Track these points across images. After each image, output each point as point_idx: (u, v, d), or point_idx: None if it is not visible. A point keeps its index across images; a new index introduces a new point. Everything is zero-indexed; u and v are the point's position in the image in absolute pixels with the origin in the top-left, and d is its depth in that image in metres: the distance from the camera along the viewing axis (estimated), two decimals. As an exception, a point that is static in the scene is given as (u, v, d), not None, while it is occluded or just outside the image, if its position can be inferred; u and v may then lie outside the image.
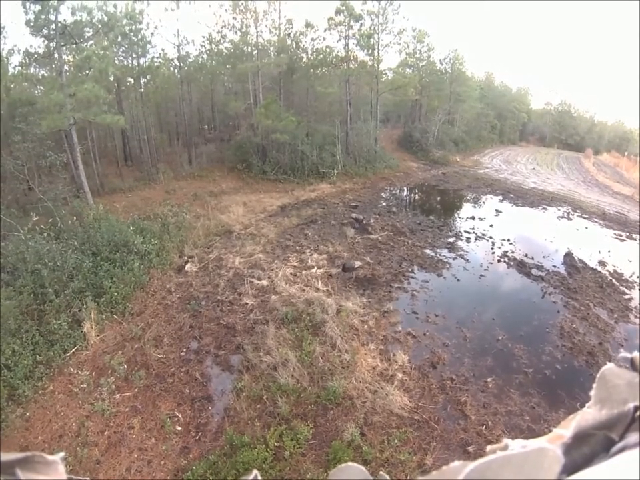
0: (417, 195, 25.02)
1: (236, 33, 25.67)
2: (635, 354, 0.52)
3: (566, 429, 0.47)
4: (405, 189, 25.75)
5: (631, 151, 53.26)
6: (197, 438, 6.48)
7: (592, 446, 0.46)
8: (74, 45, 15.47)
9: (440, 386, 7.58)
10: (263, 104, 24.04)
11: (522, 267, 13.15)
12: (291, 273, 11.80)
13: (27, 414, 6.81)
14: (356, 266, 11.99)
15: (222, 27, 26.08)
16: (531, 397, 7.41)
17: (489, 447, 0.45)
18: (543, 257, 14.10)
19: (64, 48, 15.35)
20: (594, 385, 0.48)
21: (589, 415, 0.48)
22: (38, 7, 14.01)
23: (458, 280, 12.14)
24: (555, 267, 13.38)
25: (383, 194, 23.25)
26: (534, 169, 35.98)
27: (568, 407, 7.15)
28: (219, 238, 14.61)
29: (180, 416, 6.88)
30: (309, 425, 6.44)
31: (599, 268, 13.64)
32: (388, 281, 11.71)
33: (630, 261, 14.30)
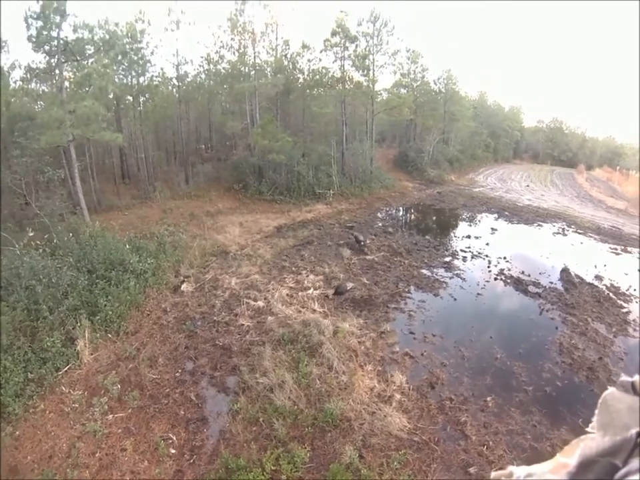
0: (412, 215, 25.16)
1: (234, 53, 26.19)
2: (636, 378, 0.52)
3: (570, 457, 0.46)
4: (401, 208, 25.90)
5: (623, 165, 54.08)
6: (192, 461, 6.33)
7: (596, 473, 0.45)
8: (75, 62, 15.71)
9: (439, 406, 7.48)
10: (259, 124, 24.32)
11: (519, 284, 13.15)
12: (287, 294, 11.74)
13: (17, 432, 6.65)
14: (349, 288, 11.97)
15: (220, 48, 26.61)
16: (532, 415, 7.32)
17: (493, 474, 0.44)
18: (540, 273, 14.13)
19: (65, 64, 15.60)
20: (596, 411, 0.47)
21: (592, 441, 0.48)
22: (40, 23, 14.25)
23: (455, 299, 12.11)
24: (551, 283, 13.41)
25: (378, 214, 23.34)
26: (528, 186, 36.38)
27: (570, 424, 7.08)
28: (215, 258, 14.58)
29: (174, 438, 6.73)
30: (306, 448, 6.31)
31: (596, 282, 13.72)
32: (385, 301, 11.66)
33: (626, 274, 14.41)
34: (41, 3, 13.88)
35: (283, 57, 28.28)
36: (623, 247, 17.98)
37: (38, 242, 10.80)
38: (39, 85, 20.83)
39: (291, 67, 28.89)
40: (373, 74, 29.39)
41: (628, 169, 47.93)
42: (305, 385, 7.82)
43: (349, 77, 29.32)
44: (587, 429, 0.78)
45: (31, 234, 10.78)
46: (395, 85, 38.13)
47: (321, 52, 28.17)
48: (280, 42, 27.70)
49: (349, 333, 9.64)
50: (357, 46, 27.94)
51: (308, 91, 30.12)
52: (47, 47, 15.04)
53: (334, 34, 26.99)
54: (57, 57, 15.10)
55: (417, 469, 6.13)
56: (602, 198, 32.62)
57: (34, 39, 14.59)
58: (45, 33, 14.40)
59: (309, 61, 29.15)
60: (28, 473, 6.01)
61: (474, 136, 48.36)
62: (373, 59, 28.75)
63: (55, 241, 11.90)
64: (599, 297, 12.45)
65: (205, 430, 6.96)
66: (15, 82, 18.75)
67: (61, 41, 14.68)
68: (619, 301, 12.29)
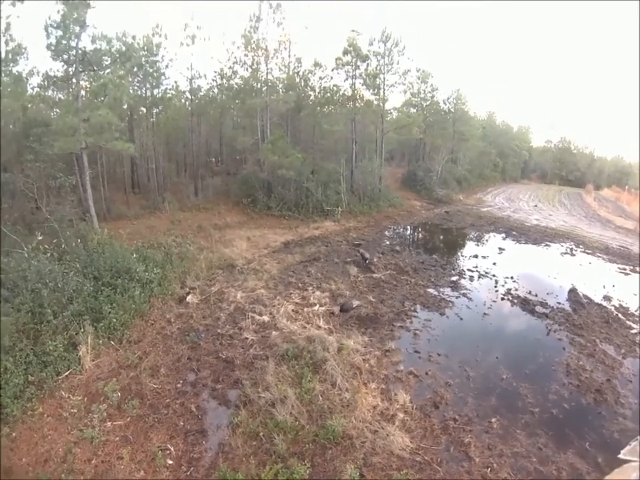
0: (420, 234, 25.13)
1: (247, 69, 26.64)
2: None
3: None
4: (409, 227, 25.93)
5: (632, 184, 53.98)
6: (189, 473, 6.22)
7: None
8: (92, 72, 16.12)
9: (442, 426, 7.33)
10: (270, 140, 24.56)
11: (526, 304, 13.00)
12: (292, 310, 11.69)
13: (14, 434, 6.59)
14: (354, 306, 11.85)
15: (233, 63, 27.11)
16: (537, 437, 7.15)
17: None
18: (547, 293, 13.99)
19: (82, 74, 15.98)
20: (638, 437, 0.45)
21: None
22: (60, 33, 14.63)
23: (461, 319, 11.97)
24: (559, 303, 13.26)
25: (386, 232, 23.35)
26: (536, 205, 36.33)
27: (577, 448, 6.90)
28: (221, 271, 14.58)
29: (172, 449, 6.63)
30: (306, 465, 6.18)
31: (604, 303, 13.57)
32: (390, 319, 11.56)
33: (635, 295, 14.24)
34: (61, 12, 14.26)
35: (295, 74, 28.71)
36: (632, 267, 17.82)
37: (46, 246, 10.88)
38: (55, 92, 21.27)
39: (302, 84, 29.31)
40: (384, 93, 29.75)
41: (637, 189, 47.81)
42: (308, 401, 7.72)
43: (359, 96, 29.66)
44: (619, 456, 0.75)
45: (40, 238, 10.91)
46: (404, 104, 38.52)
47: (332, 70, 28.63)
48: (292, 59, 28.22)
49: (353, 351, 9.54)
50: (368, 65, 28.38)
51: (319, 108, 30.50)
52: (65, 56, 15.44)
53: (345, 53, 27.42)
54: (74, 66, 15.49)
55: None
56: (610, 218, 32.48)
57: (53, 48, 14.97)
58: (64, 42, 14.79)
59: (320, 78, 29.58)
60: (22, 476, 5.95)
61: (482, 156, 48.54)
62: (384, 78, 29.16)
63: (63, 246, 11.98)
64: (607, 318, 12.28)
65: (203, 442, 6.86)
66: (32, 88, 19.17)
67: (79, 51, 15.06)
68: (627, 322, 12.13)
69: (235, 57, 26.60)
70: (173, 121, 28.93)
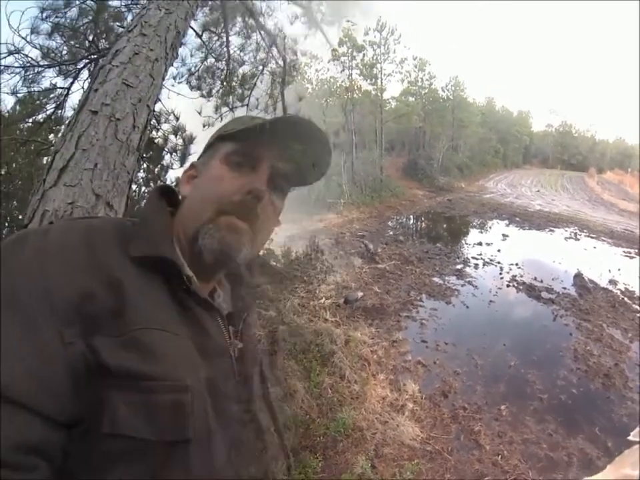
0: (423, 223, 25.08)
1: (243, 65, 26.47)
2: None
3: (632, 469, 0.46)
4: (412, 217, 25.82)
5: (634, 167, 53.48)
6: (204, 471, 6.31)
7: None
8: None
9: (452, 415, 7.36)
10: (269, 134, 24.48)
11: (531, 290, 12.98)
12: (298, 304, 11.71)
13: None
14: (358, 297, 11.85)
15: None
16: (547, 423, 7.17)
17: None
18: (552, 279, 13.91)
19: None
20: None
21: None
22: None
23: (467, 307, 11.99)
24: (565, 288, 13.20)
25: (389, 223, 23.29)
26: (538, 191, 36.14)
27: (587, 433, 6.93)
28: (227, 268, 14.57)
29: (186, 448, 6.72)
30: (317, 458, 6.24)
31: (610, 287, 13.48)
32: (396, 310, 11.55)
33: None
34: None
35: (292, 68, 28.53)
36: (637, 250, 17.71)
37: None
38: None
39: (299, 77, 29.15)
40: (381, 82, 29.65)
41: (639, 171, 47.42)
42: (317, 395, 7.76)
43: (357, 86, 29.54)
44: (629, 438, 0.78)
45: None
46: (402, 93, 38.33)
47: (328, 62, 28.52)
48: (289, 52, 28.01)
49: (361, 342, 9.57)
50: (364, 55, 28.28)
51: (317, 100, 30.36)
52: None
53: (341, 44, 27.29)
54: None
55: (430, 479, 6.04)
56: (614, 201, 32.30)
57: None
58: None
59: (317, 71, 29.52)
60: None
61: (483, 142, 48.28)
62: (381, 68, 29.05)
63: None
64: (613, 302, 12.23)
65: (217, 440, 6.93)
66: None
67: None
68: (634, 306, 12.08)
69: (231, 53, 26.49)
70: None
